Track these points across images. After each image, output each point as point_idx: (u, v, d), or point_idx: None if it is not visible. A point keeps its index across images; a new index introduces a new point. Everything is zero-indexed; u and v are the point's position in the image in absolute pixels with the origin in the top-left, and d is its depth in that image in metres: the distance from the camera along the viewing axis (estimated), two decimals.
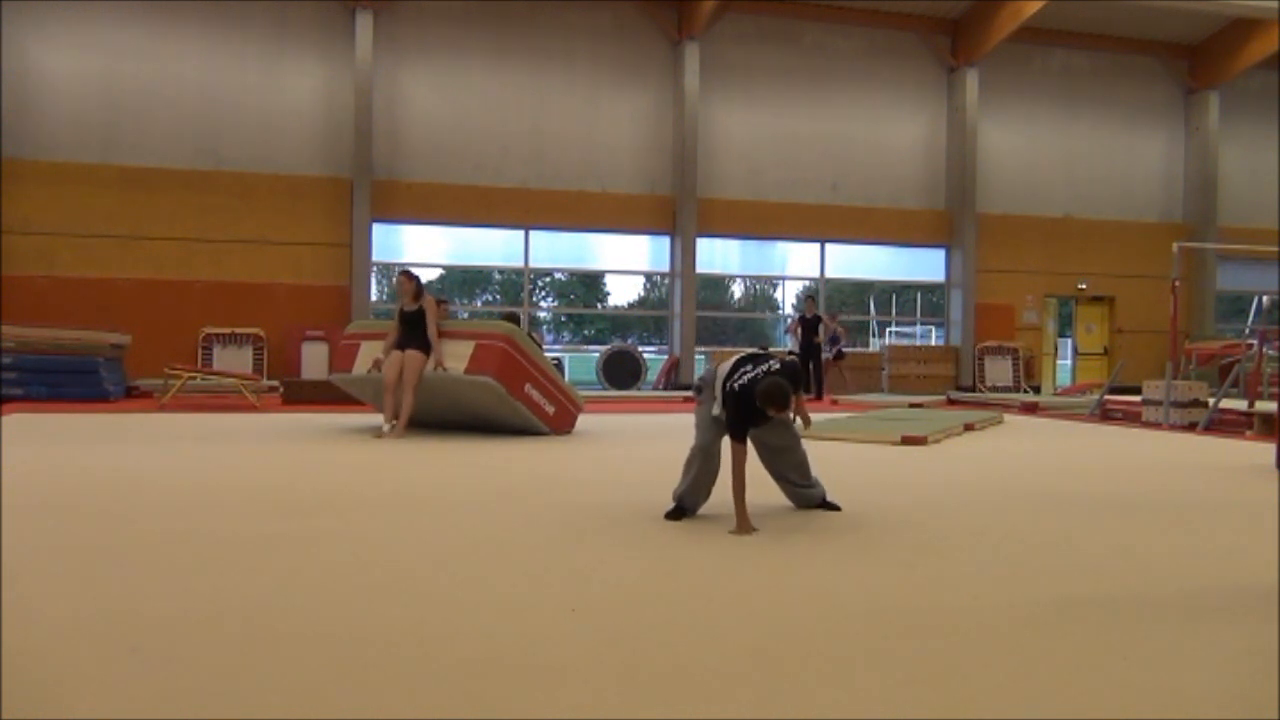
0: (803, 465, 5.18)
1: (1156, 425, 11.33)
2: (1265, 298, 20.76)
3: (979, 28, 18.25)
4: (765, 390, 4.56)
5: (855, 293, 24.84)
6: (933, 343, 21.38)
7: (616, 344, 18.23)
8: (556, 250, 18.12)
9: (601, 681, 2.57)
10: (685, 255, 17.51)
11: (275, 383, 14.13)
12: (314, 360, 15.29)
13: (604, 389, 16.79)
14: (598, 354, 17.95)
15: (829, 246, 18.81)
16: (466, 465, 7.12)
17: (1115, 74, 19.85)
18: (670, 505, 4.95)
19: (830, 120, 18.40)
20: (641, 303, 22.02)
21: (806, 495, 5.21)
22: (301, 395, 13.03)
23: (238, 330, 15.45)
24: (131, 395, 13.75)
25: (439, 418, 9.33)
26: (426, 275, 14.74)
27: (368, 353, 9.35)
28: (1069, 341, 20.78)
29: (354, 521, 4.76)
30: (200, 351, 15.14)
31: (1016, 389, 17.96)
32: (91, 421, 10.09)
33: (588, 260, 18.89)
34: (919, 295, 22.12)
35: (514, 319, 10.09)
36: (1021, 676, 2.66)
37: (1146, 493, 6.25)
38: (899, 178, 18.76)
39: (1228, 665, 2.78)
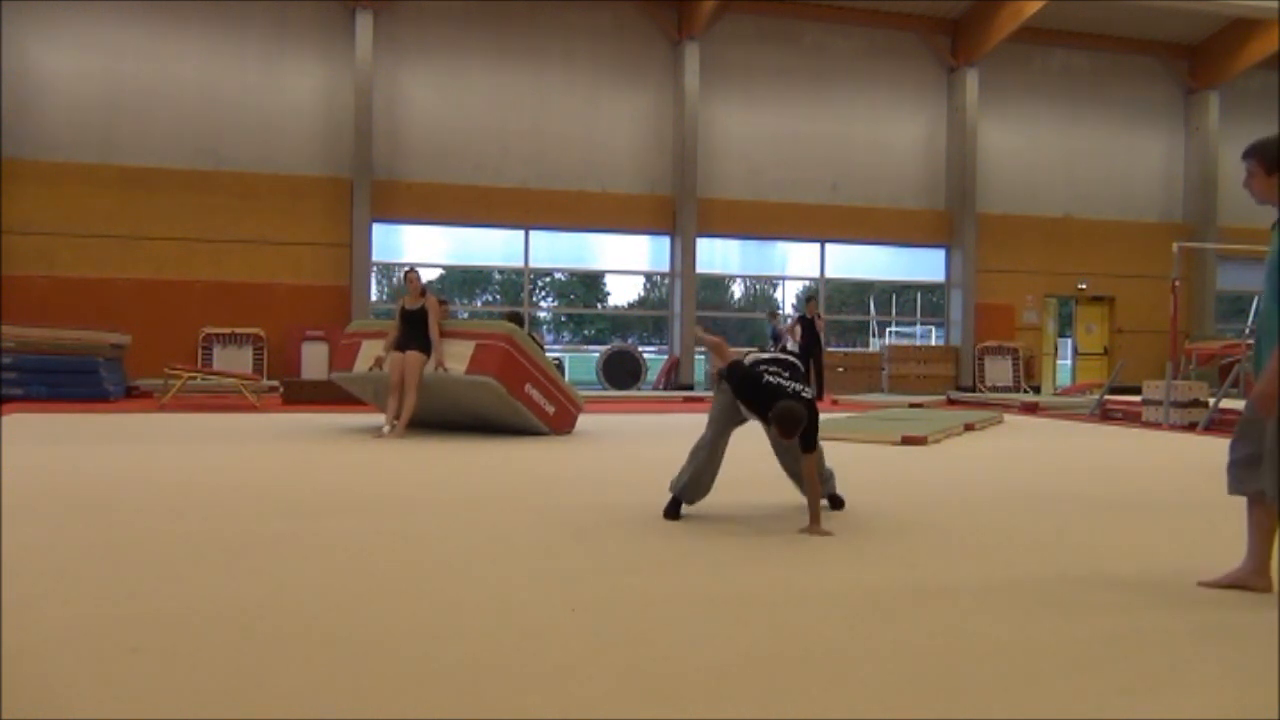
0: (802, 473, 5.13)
1: (1156, 425, 11.33)
2: None
3: (979, 28, 18.25)
4: (781, 412, 4.56)
5: (855, 293, 24.85)
6: (933, 343, 21.38)
7: (616, 344, 18.23)
8: (556, 250, 18.12)
9: (602, 681, 2.57)
10: (685, 255, 17.51)
11: (275, 383, 14.13)
12: (314, 360, 15.29)
13: (604, 389, 16.79)
14: (598, 354, 17.96)
15: (829, 246, 18.81)
16: (467, 465, 7.12)
17: (1115, 74, 19.85)
18: (668, 500, 4.94)
19: (830, 120, 18.40)
20: (641, 303, 22.03)
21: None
22: (301, 395, 13.03)
23: (238, 330, 15.45)
24: (131, 395, 13.75)
25: (439, 418, 9.33)
26: (427, 275, 14.70)
27: (368, 352, 9.36)
28: (1069, 341, 20.78)
29: (354, 521, 4.76)
30: (200, 351, 15.14)
31: (1016, 389, 17.96)
32: (91, 421, 10.09)
33: (588, 260, 18.90)
34: (919, 295, 22.13)
35: (517, 319, 10.09)
36: (1022, 677, 2.66)
37: (1146, 493, 6.25)
38: (899, 178, 18.76)
39: (1229, 666, 2.78)
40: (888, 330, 25.13)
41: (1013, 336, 19.01)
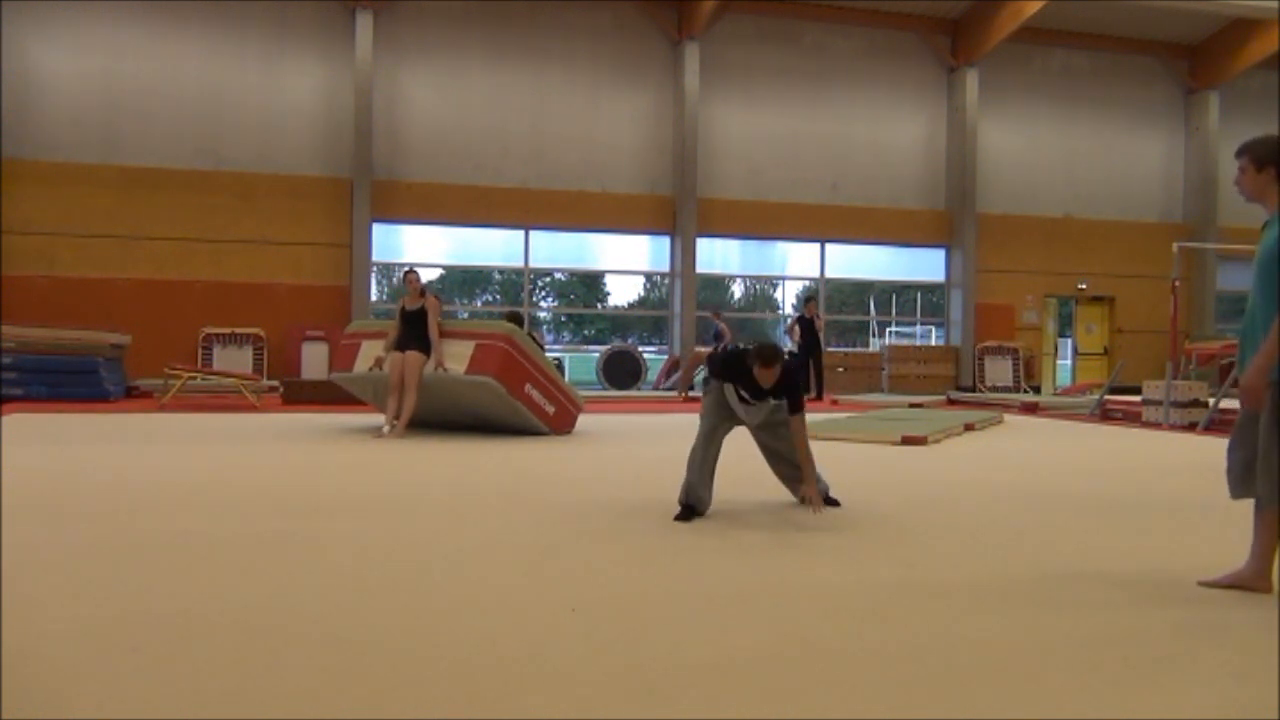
0: (788, 455, 5.19)
1: (1156, 425, 11.33)
2: None
3: (979, 28, 18.25)
4: (760, 347, 4.78)
5: (855, 293, 24.86)
6: (933, 343, 21.38)
7: (616, 344, 18.23)
8: (556, 250, 18.12)
9: (602, 681, 2.57)
10: (685, 255, 17.51)
11: (275, 383, 14.13)
12: (314, 360, 15.29)
13: (604, 389, 16.79)
14: (598, 354, 17.96)
15: (829, 246, 18.81)
16: (466, 465, 7.12)
17: (1115, 74, 19.85)
18: (677, 509, 4.94)
19: (830, 120, 18.40)
20: (641, 303, 22.03)
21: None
22: (301, 395, 13.03)
23: (238, 330, 15.45)
24: (131, 395, 13.75)
25: (439, 418, 9.33)
26: (427, 275, 14.73)
27: (368, 352, 9.36)
28: (1069, 341, 20.78)
29: (354, 521, 4.76)
30: (200, 351, 15.13)
31: (1016, 389, 17.96)
32: (91, 421, 10.09)
33: (588, 260, 18.89)
34: (919, 295, 22.14)
35: (517, 319, 10.09)
36: (1021, 676, 2.66)
37: (1146, 493, 6.25)
38: (899, 178, 18.76)
39: (1229, 666, 2.79)
40: (888, 330, 25.15)
41: (1013, 336, 19.01)
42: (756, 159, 18.06)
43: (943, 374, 18.45)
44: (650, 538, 4.48)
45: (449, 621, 3.09)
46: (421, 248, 17.28)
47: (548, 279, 24.73)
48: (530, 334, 10.05)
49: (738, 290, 26.48)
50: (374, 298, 16.97)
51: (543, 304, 23.91)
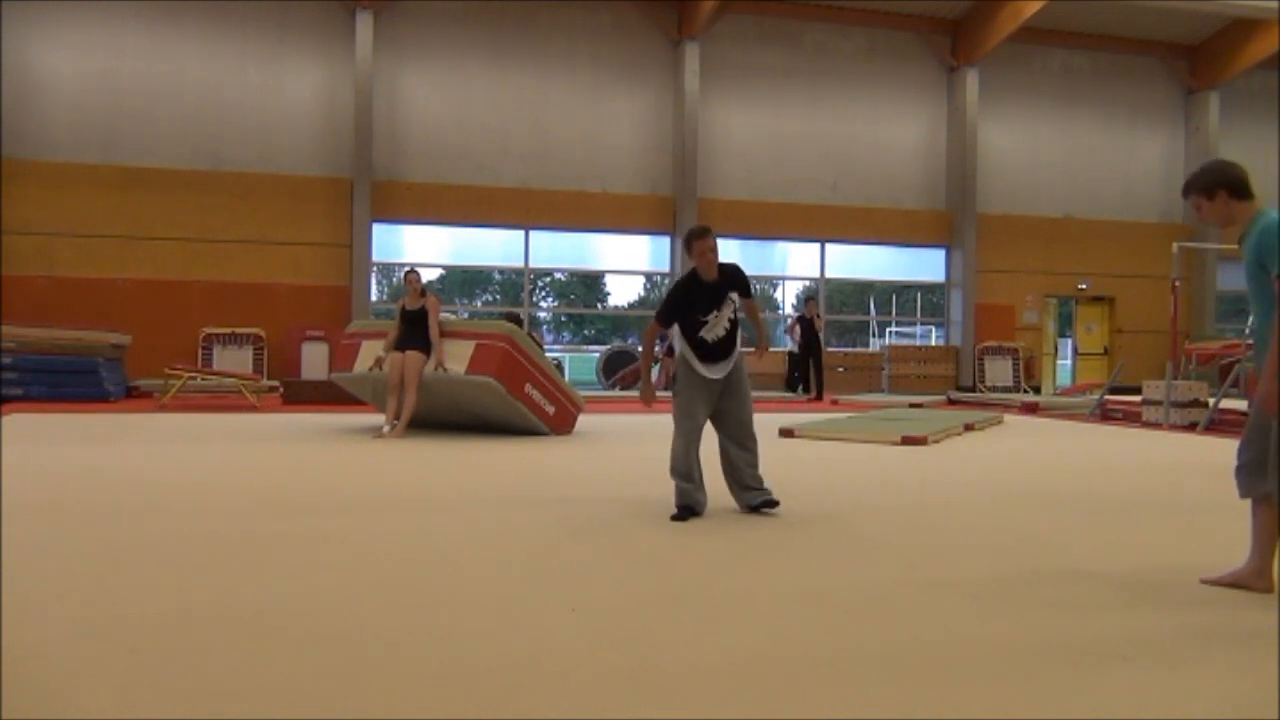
0: (749, 424, 5.17)
1: (1157, 425, 11.33)
2: None
3: (979, 28, 18.25)
4: (688, 231, 5.18)
5: (855, 293, 24.85)
6: (933, 343, 21.37)
7: (616, 344, 18.24)
8: (556, 250, 18.12)
9: (602, 681, 2.57)
10: (685, 255, 17.48)
11: (275, 383, 14.12)
12: (314, 360, 15.29)
13: (604, 389, 16.79)
14: (598, 354, 17.95)
15: (829, 246, 18.80)
16: (466, 465, 7.12)
17: (1115, 74, 19.85)
18: (674, 510, 4.95)
19: (830, 120, 18.39)
20: (641, 303, 22.02)
21: (755, 489, 5.09)
22: (301, 395, 13.02)
23: (238, 330, 15.44)
24: (131, 395, 13.75)
25: (439, 418, 9.33)
26: (427, 275, 14.76)
27: (368, 352, 9.36)
28: (1069, 341, 20.78)
29: (354, 522, 4.76)
30: (200, 351, 15.13)
31: (1016, 389, 17.95)
32: (91, 421, 10.09)
33: (588, 260, 18.89)
34: (919, 295, 22.12)
35: (515, 319, 10.10)
36: (1021, 676, 2.66)
37: (1146, 493, 6.24)
38: (899, 178, 18.76)
39: (1229, 666, 2.79)
40: (888, 330, 25.13)
41: (1013, 336, 19.00)
42: (756, 159, 18.05)
43: (943, 374, 18.45)
44: (650, 538, 4.48)
45: (449, 621, 3.09)
46: (421, 248, 17.27)
47: (548, 279, 24.75)
48: (530, 334, 10.05)
49: None
50: (374, 298, 16.96)
51: (543, 304, 23.91)
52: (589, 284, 25.39)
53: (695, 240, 5.10)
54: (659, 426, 10.61)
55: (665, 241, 17.88)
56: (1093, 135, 19.68)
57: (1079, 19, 18.78)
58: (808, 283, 19.34)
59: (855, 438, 9.14)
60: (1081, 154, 19.63)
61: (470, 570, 3.82)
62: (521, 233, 17.40)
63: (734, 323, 5.16)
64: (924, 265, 19.32)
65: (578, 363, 20.59)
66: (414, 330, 8.88)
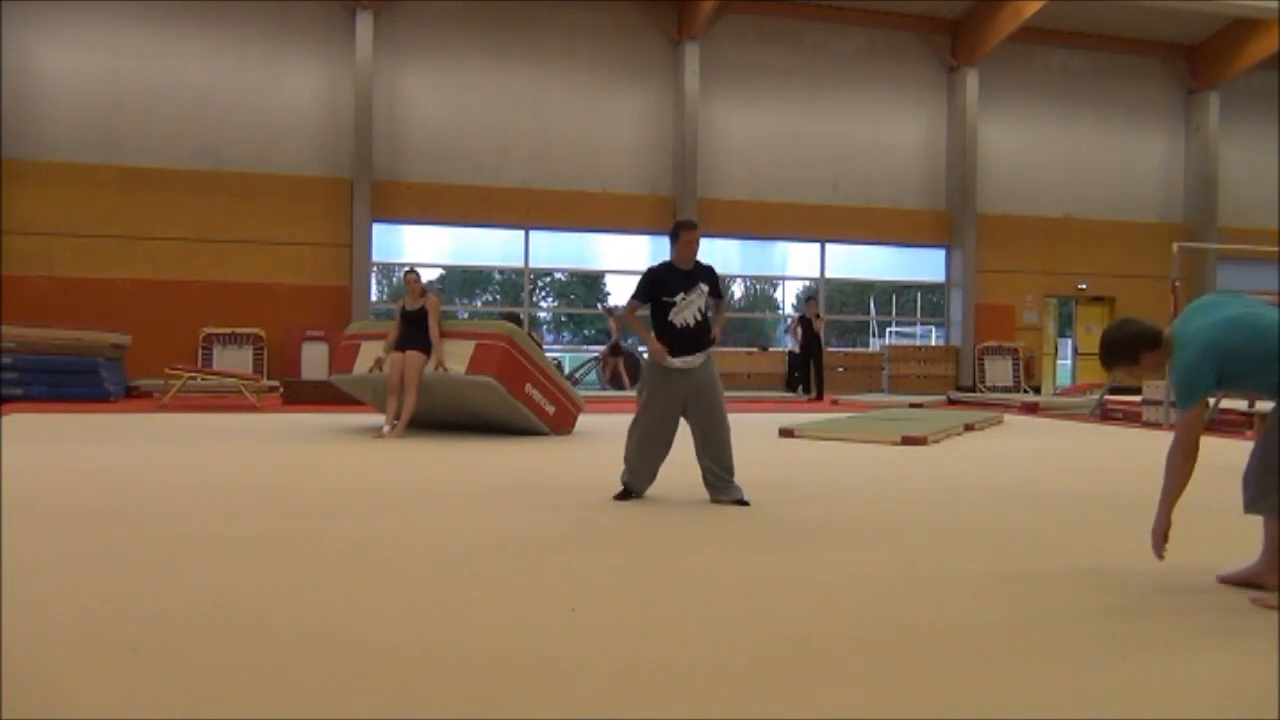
0: (726, 443, 5.32)
1: (1157, 425, 11.33)
2: (1265, 298, 20.73)
3: (979, 28, 18.25)
4: (679, 221, 5.50)
5: (855, 293, 24.85)
6: (933, 343, 21.37)
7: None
8: (556, 250, 18.12)
9: (602, 681, 2.57)
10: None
11: (275, 383, 14.13)
12: (314, 360, 15.29)
13: (604, 389, 16.78)
14: (598, 354, 17.95)
15: (829, 246, 18.81)
16: (466, 465, 7.12)
17: (1115, 74, 19.85)
18: (619, 492, 5.42)
19: (830, 120, 18.39)
20: None
21: (726, 487, 5.31)
22: (301, 395, 13.03)
23: (238, 330, 15.44)
24: (131, 395, 13.75)
25: (440, 418, 9.33)
26: (427, 275, 14.76)
27: (368, 353, 9.36)
28: (1069, 341, 20.77)
29: (354, 522, 4.76)
30: (200, 351, 15.13)
31: (1016, 389, 17.96)
32: (91, 421, 10.09)
33: (588, 260, 18.89)
34: (919, 295, 22.13)
35: (515, 319, 10.10)
36: (1021, 675, 2.66)
37: (1146, 493, 6.23)
38: (899, 178, 18.76)
39: (1229, 665, 2.79)
40: (888, 330, 25.13)
41: (1013, 336, 19.01)
42: (756, 159, 18.05)
43: (943, 374, 18.45)
44: (650, 538, 4.48)
45: (449, 621, 3.09)
46: (421, 248, 17.27)
47: (548, 279, 24.74)
48: (530, 334, 10.05)
49: (738, 290, 26.46)
50: (374, 298, 16.96)
51: (543, 304, 23.91)
52: (589, 284, 25.37)
53: (683, 230, 5.44)
54: None
55: (665, 242, 17.80)
56: (1093, 135, 19.68)
57: (1079, 19, 18.78)
58: (808, 283, 19.34)
59: (855, 438, 9.14)
60: (1081, 154, 19.62)
61: (470, 570, 3.82)
62: (521, 233, 17.40)
63: (704, 315, 5.33)
64: (924, 265, 19.32)
65: (578, 363, 20.57)
66: (414, 330, 8.87)
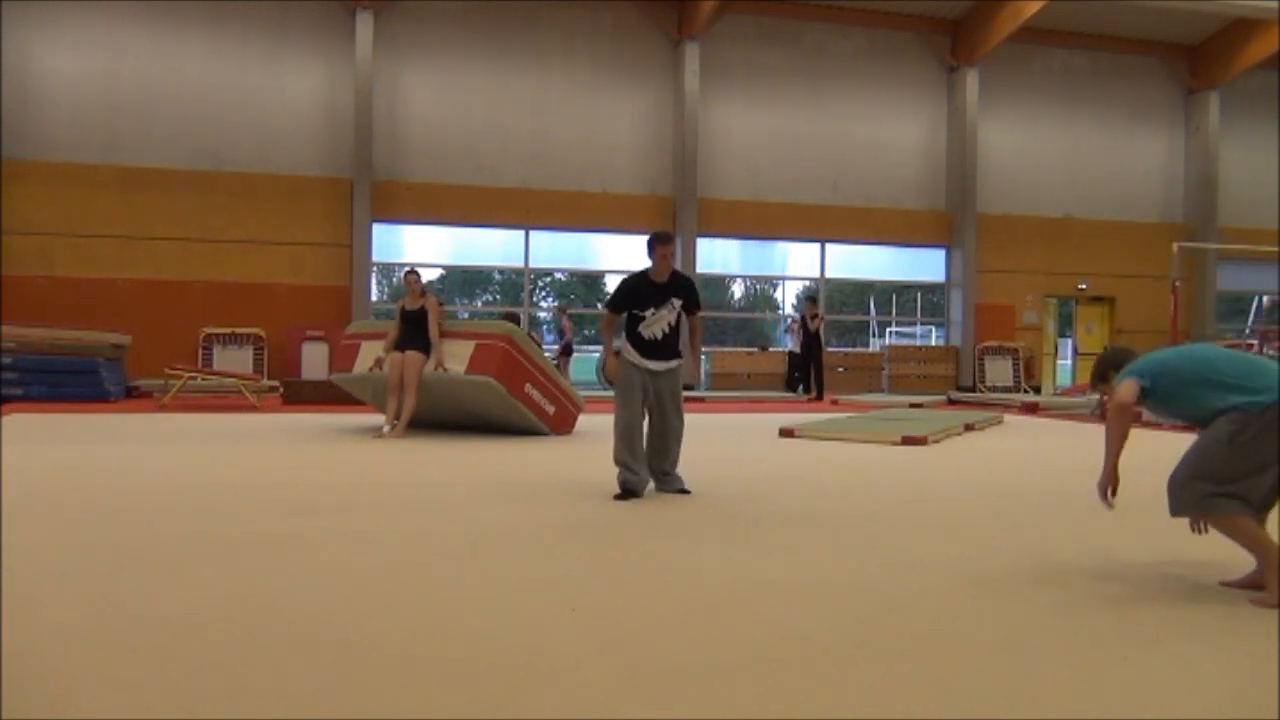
0: (674, 447, 5.64)
1: (1157, 425, 11.32)
2: (1265, 298, 20.75)
3: (979, 28, 18.24)
4: (654, 233, 5.54)
5: (855, 293, 24.87)
6: (933, 343, 21.38)
7: (617, 344, 18.21)
8: (556, 250, 18.12)
9: (602, 681, 2.57)
10: (685, 255, 17.49)
11: (275, 383, 14.13)
12: (314, 360, 15.29)
13: (604, 389, 16.78)
14: (598, 354, 17.95)
15: (829, 246, 18.80)
16: (466, 465, 7.12)
17: (1115, 74, 19.84)
18: (619, 491, 5.52)
19: (830, 120, 18.39)
20: None
21: (669, 480, 5.67)
22: (301, 395, 13.03)
23: (238, 330, 15.44)
24: (132, 395, 13.75)
25: (439, 418, 9.33)
26: (427, 275, 14.77)
27: (368, 352, 9.36)
28: (1069, 341, 20.77)
29: (353, 522, 4.76)
30: (200, 351, 15.12)
31: (1016, 389, 17.96)
32: (91, 421, 10.09)
33: (588, 260, 18.89)
34: (919, 295, 22.14)
35: (514, 319, 10.10)
36: (1020, 675, 2.66)
37: (1144, 492, 6.23)
38: (899, 178, 18.75)
39: (1229, 665, 2.78)
40: (888, 330, 25.15)
41: (1013, 336, 19.00)
42: (756, 159, 18.04)
43: (943, 374, 18.45)
44: (651, 537, 4.48)
45: (449, 621, 3.09)
46: (422, 248, 17.27)
47: (548, 279, 24.74)
48: (530, 334, 10.05)
49: (738, 290, 26.48)
50: (374, 298, 16.96)
51: (543, 304, 23.91)
52: (589, 284, 25.38)
53: (659, 244, 5.47)
54: None
55: None
56: (1093, 135, 19.68)
57: (1079, 19, 18.77)
58: (808, 283, 19.34)
59: (855, 438, 9.14)
60: (1081, 154, 19.62)
61: (470, 570, 3.82)
62: (521, 233, 17.39)
63: (674, 329, 5.54)
64: (924, 265, 19.31)
65: (578, 363, 20.57)
66: (414, 330, 8.87)
